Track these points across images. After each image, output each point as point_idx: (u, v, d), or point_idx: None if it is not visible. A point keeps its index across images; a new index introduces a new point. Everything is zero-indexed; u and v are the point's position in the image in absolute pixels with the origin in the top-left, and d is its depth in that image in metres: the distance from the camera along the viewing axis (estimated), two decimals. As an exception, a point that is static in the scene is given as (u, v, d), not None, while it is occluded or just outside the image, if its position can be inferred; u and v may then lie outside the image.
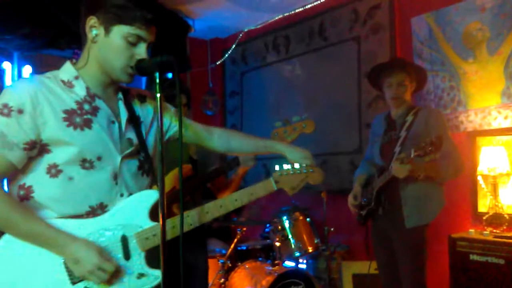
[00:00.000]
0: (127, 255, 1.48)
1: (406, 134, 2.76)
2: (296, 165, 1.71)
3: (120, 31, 1.43)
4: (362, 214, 2.92)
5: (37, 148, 1.42)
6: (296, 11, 4.70)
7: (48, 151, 1.43)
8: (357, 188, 2.96)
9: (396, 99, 2.82)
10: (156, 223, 1.50)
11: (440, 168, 2.63)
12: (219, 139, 1.81)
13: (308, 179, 1.72)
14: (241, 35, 5.28)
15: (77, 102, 1.47)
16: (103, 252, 1.42)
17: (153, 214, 1.52)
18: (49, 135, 1.41)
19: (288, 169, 1.72)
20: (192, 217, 1.56)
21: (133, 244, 1.49)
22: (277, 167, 1.72)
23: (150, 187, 1.61)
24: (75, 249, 1.39)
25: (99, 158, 1.46)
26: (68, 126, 1.43)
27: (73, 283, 1.42)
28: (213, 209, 1.60)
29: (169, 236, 1.49)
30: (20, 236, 1.40)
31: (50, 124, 1.41)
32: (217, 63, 5.54)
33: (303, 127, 2.30)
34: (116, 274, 1.45)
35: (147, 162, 1.59)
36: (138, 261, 1.49)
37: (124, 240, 1.48)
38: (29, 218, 1.39)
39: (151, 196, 1.54)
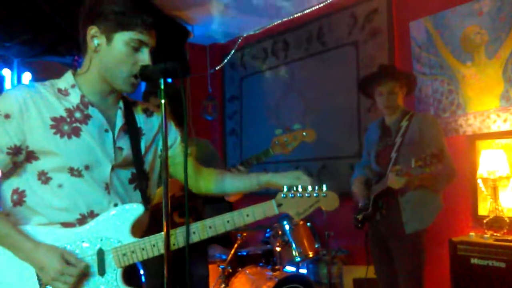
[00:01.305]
0: (101, 270, 1.43)
1: (401, 140, 2.78)
2: (309, 187, 1.54)
3: (122, 38, 1.43)
4: (358, 218, 2.93)
5: (22, 154, 1.42)
6: (295, 16, 4.71)
7: (36, 158, 1.43)
8: (360, 186, 2.95)
9: (389, 107, 2.85)
10: (136, 239, 1.46)
11: (436, 178, 2.65)
12: (214, 180, 1.73)
13: (319, 204, 1.54)
14: (240, 40, 5.29)
15: (68, 110, 1.45)
16: (67, 256, 1.38)
17: (134, 229, 1.47)
18: (34, 142, 1.41)
19: (296, 191, 1.53)
20: (176, 237, 1.46)
21: (109, 259, 1.44)
22: (284, 188, 1.53)
23: (144, 203, 1.53)
24: (39, 255, 1.37)
25: (86, 167, 1.44)
26: (55, 133, 1.42)
27: None
28: (201, 230, 1.48)
29: (156, 253, 1.44)
30: None
31: (36, 130, 1.41)
32: (217, 68, 5.55)
33: (304, 136, 2.30)
34: None
35: (140, 177, 1.55)
36: (113, 277, 1.43)
37: (100, 254, 1.43)
38: None
39: (135, 210, 1.47)
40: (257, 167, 2.81)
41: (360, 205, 2.92)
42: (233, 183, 1.71)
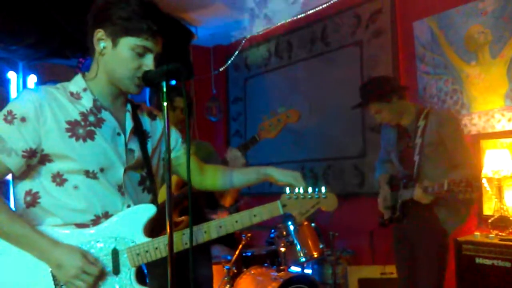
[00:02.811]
0: (116, 270, 1.45)
1: (421, 141, 2.68)
2: (309, 189, 1.63)
3: (127, 43, 1.45)
4: (384, 219, 2.88)
5: (37, 157, 1.44)
6: (298, 17, 4.72)
7: (50, 161, 1.44)
8: (385, 189, 2.88)
9: (387, 123, 2.82)
10: (150, 239, 1.48)
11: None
12: (220, 176, 1.77)
13: (320, 205, 1.63)
14: (243, 41, 5.31)
15: (82, 114, 1.48)
16: (87, 256, 1.40)
17: (147, 229, 1.50)
18: (50, 145, 1.43)
19: (299, 192, 1.62)
20: (188, 236, 1.47)
21: (123, 258, 1.46)
22: (287, 190, 1.63)
23: (154, 204, 1.57)
24: (57, 254, 1.38)
25: (102, 170, 1.46)
26: (70, 137, 1.44)
27: None
28: (212, 229, 1.54)
29: (165, 253, 1.46)
30: (4, 237, 1.40)
31: (52, 134, 1.42)
32: (220, 70, 5.56)
33: (288, 117, 2.32)
34: (103, 287, 1.43)
35: (149, 179, 1.58)
36: (127, 277, 1.45)
37: (115, 254, 1.45)
38: (14, 220, 1.39)
39: (147, 210, 1.51)
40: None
41: (386, 206, 2.85)
42: (240, 176, 1.77)
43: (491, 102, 3.32)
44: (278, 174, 1.69)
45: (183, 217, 2.61)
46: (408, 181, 2.73)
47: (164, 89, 1.37)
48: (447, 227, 2.65)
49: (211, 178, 1.77)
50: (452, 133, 2.66)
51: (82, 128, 1.46)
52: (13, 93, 4.13)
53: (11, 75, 4.14)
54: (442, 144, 2.62)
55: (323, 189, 1.64)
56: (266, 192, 4.50)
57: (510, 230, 3.01)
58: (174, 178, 2.51)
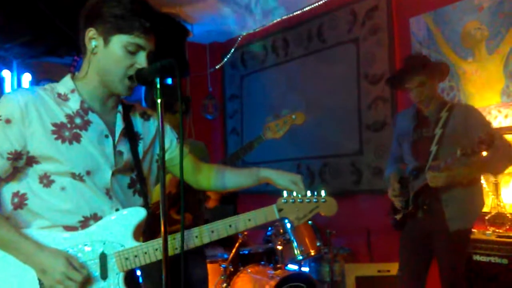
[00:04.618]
0: (104, 275, 1.42)
1: (442, 131, 2.64)
2: (308, 193, 1.57)
3: (119, 41, 1.42)
4: (397, 218, 2.81)
5: (23, 159, 1.41)
6: (295, 13, 4.70)
7: (37, 162, 1.42)
8: (395, 184, 2.81)
9: (421, 101, 2.72)
10: (139, 243, 1.45)
11: (489, 164, 2.55)
12: (214, 176, 1.73)
13: (318, 210, 1.56)
14: (240, 38, 5.28)
15: (68, 116, 1.45)
16: (72, 261, 1.38)
17: (137, 234, 1.48)
18: (36, 147, 1.40)
19: (296, 196, 1.56)
20: (179, 241, 1.44)
21: (111, 263, 1.43)
22: (285, 193, 1.56)
23: (145, 207, 1.54)
24: (42, 259, 1.36)
25: (88, 173, 1.43)
26: (56, 139, 1.42)
27: None
28: (204, 234, 1.49)
29: (158, 257, 1.44)
30: None
31: (37, 136, 1.40)
32: (217, 67, 5.54)
33: (293, 119, 2.35)
34: None
35: (139, 182, 1.55)
36: (115, 281, 1.42)
37: (103, 258, 1.42)
38: (0, 224, 1.38)
39: (138, 214, 1.48)
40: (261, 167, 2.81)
41: (398, 205, 2.78)
42: (233, 178, 1.73)
43: (488, 98, 3.31)
44: (276, 177, 1.64)
45: (186, 214, 2.60)
46: (418, 173, 2.68)
47: (158, 86, 1.34)
48: (450, 224, 2.58)
49: (206, 177, 1.74)
50: (481, 121, 2.64)
51: (68, 131, 1.43)
52: (7, 92, 4.10)
53: (5, 73, 4.12)
54: (467, 134, 2.56)
55: (322, 192, 1.57)
56: (262, 191, 4.50)
57: (507, 227, 3.01)
58: (172, 177, 2.49)
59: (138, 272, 1.54)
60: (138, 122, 1.61)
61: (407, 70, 2.76)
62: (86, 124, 1.47)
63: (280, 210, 1.56)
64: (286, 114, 2.34)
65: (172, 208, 2.50)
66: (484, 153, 2.42)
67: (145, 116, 1.65)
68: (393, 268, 3.43)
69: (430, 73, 2.70)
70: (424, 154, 2.69)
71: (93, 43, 1.45)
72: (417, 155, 2.75)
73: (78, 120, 1.46)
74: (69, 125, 1.44)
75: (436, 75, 2.76)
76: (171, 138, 1.68)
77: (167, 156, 1.63)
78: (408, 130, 2.82)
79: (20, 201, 1.43)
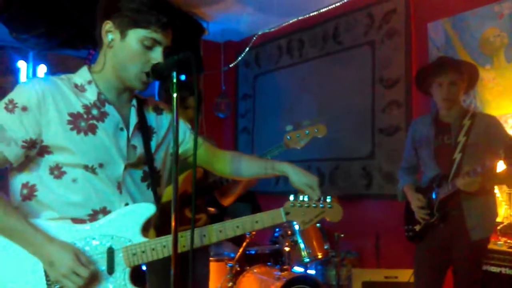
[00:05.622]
0: (110, 269, 1.41)
1: (465, 139, 2.61)
2: (314, 197, 1.59)
3: (136, 35, 1.42)
4: (416, 229, 2.75)
5: (36, 148, 1.40)
6: (311, 14, 4.67)
7: (49, 152, 1.41)
8: (418, 195, 2.74)
9: (448, 100, 2.67)
10: (147, 239, 1.45)
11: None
12: (229, 162, 1.73)
13: (324, 215, 1.59)
14: (255, 38, 5.27)
15: (85, 106, 1.45)
16: (80, 256, 1.37)
17: (145, 229, 1.47)
18: (50, 136, 1.39)
19: (303, 200, 1.58)
20: (186, 239, 1.46)
21: (119, 258, 1.42)
22: (291, 197, 1.59)
23: (156, 201, 1.54)
24: (50, 251, 1.35)
25: (100, 165, 1.43)
26: (71, 129, 1.41)
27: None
28: (212, 233, 1.51)
29: (165, 254, 1.44)
30: None
31: (53, 125, 1.39)
32: (230, 66, 5.53)
33: (315, 132, 2.36)
34: (96, 287, 1.39)
35: (152, 175, 1.54)
36: (121, 277, 1.42)
37: (110, 253, 1.42)
38: (9, 213, 1.36)
39: (147, 209, 1.47)
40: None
41: (422, 216, 2.71)
42: (249, 166, 1.72)
43: (505, 106, 3.26)
44: (294, 175, 1.62)
45: (201, 215, 2.61)
46: (441, 180, 2.65)
47: (174, 80, 1.33)
48: (472, 234, 2.56)
49: (222, 164, 1.73)
50: (504, 132, 2.65)
51: (84, 121, 1.43)
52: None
53: (21, 64, 4.15)
54: (491, 144, 2.57)
55: (328, 198, 1.60)
56: (270, 191, 4.49)
57: (519, 238, 2.95)
58: (187, 175, 2.49)
59: (144, 267, 1.53)
60: (151, 116, 1.61)
61: (443, 64, 2.73)
62: (102, 116, 1.46)
63: (287, 214, 1.58)
64: (307, 125, 2.35)
65: (187, 207, 2.50)
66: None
67: (158, 110, 1.64)
68: (401, 275, 3.40)
69: (463, 74, 2.69)
70: (447, 161, 2.65)
71: (110, 36, 1.45)
72: (440, 163, 2.70)
73: (95, 111, 1.45)
74: (85, 116, 1.43)
75: (467, 79, 2.73)
76: (184, 130, 1.68)
77: (181, 149, 1.65)
78: (427, 137, 2.77)
79: (29, 192, 1.43)
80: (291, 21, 4.89)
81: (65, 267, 1.34)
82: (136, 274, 1.47)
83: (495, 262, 2.82)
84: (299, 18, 4.78)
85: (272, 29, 5.12)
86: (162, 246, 1.45)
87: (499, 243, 2.95)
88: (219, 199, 2.81)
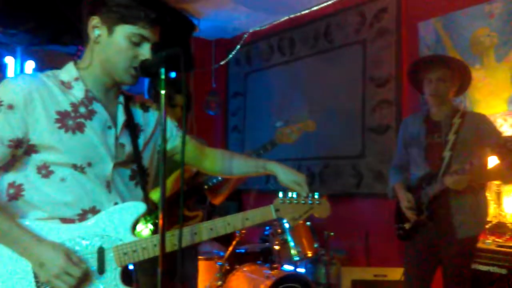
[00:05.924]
0: (101, 269, 1.40)
1: (455, 138, 2.62)
2: (303, 194, 1.62)
3: (123, 31, 1.40)
4: (406, 227, 2.75)
5: (23, 148, 1.37)
6: (302, 13, 4.67)
7: (36, 152, 1.38)
8: (406, 194, 2.75)
9: (435, 96, 2.67)
10: (137, 238, 1.44)
11: (501, 172, 2.52)
12: (219, 161, 1.73)
13: (312, 211, 1.62)
14: (246, 36, 5.25)
15: (73, 104, 1.41)
16: (71, 255, 1.35)
17: (135, 228, 1.46)
18: (37, 135, 1.36)
19: (292, 197, 1.61)
20: (177, 237, 1.44)
21: (109, 257, 1.41)
22: (280, 194, 1.62)
23: (145, 200, 1.53)
24: (40, 251, 1.33)
25: (89, 164, 1.40)
26: (59, 128, 1.38)
27: None
28: (204, 231, 1.51)
29: (157, 253, 1.42)
30: None
31: (40, 123, 1.36)
32: (221, 64, 5.51)
33: (306, 126, 2.50)
34: (87, 287, 1.37)
35: (140, 173, 1.52)
36: (112, 276, 1.40)
37: (101, 252, 1.40)
38: None
39: (137, 208, 1.46)
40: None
41: (411, 215, 2.71)
42: (240, 165, 1.73)
43: (494, 106, 3.28)
44: (281, 174, 1.64)
45: (198, 212, 2.63)
46: (430, 179, 2.65)
47: (163, 76, 1.31)
48: (459, 232, 2.56)
49: (211, 162, 1.73)
50: (493, 130, 2.66)
51: (72, 120, 1.40)
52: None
53: (9, 60, 4.09)
54: (480, 141, 2.58)
55: (316, 195, 1.62)
56: (261, 189, 4.47)
57: (508, 237, 2.98)
58: (175, 174, 2.47)
59: (131, 266, 1.51)
60: (138, 113, 1.58)
61: (433, 60, 2.76)
62: (90, 114, 1.43)
63: (277, 210, 1.60)
64: (298, 121, 2.44)
65: (184, 205, 2.48)
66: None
67: (145, 108, 1.62)
68: (390, 273, 3.41)
69: (453, 71, 2.69)
70: (436, 160, 2.66)
71: (96, 32, 1.42)
72: (430, 161, 2.70)
73: (82, 109, 1.42)
74: (73, 114, 1.40)
75: (459, 78, 2.73)
76: (170, 127, 1.66)
77: (169, 146, 1.63)
78: (418, 135, 2.78)
79: (16, 192, 1.39)
80: (282, 19, 4.89)
81: (56, 267, 1.31)
82: (125, 274, 1.45)
83: (484, 260, 2.84)
84: (291, 16, 4.78)
85: (264, 27, 5.11)
86: (153, 245, 1.43)
87: (488, 242, 2.97)
88: (210, 198, 2.80)
